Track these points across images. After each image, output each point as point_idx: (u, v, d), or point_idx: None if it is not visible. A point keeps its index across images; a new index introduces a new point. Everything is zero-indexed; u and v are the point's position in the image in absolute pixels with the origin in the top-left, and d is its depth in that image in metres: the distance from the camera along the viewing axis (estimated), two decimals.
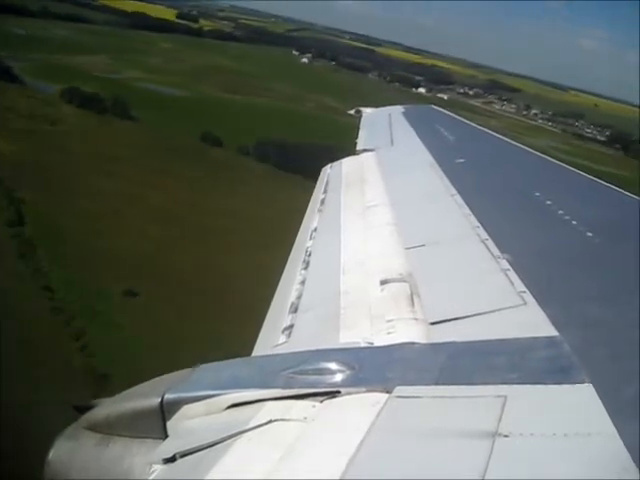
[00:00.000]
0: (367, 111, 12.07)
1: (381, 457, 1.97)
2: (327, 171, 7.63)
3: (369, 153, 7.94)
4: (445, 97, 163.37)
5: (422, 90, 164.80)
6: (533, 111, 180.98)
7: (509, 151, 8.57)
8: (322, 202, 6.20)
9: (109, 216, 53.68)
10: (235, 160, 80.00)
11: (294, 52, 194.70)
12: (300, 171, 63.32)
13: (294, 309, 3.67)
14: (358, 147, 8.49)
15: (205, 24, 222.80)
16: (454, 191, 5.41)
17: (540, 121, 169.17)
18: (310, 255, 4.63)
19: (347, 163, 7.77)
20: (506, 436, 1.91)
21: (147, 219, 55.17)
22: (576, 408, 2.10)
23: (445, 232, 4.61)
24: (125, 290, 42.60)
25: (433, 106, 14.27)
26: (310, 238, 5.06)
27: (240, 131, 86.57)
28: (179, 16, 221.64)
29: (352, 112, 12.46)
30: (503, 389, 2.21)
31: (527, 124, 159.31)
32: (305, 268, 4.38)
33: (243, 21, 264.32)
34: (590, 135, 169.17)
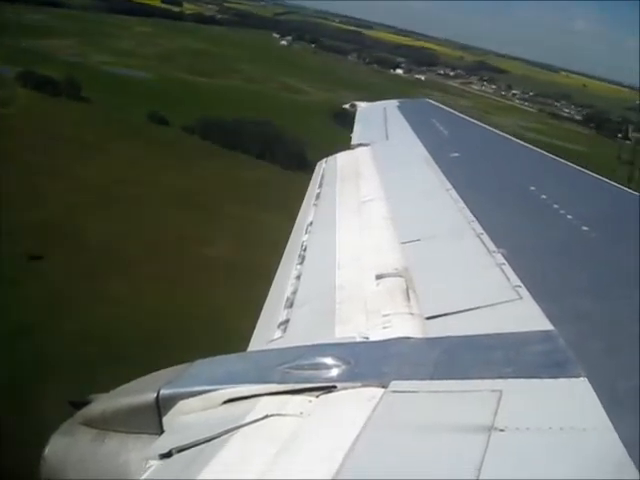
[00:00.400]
0: (362, 105, 12.04)
1: (377, 452, 1.97)
2: (322, 165, 7.62)
3: (364, 147, 7.93)
4: (422, 78, 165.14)
5: (400, 71, 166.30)
6: (513, 91, 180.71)
7: (504, 145, 8.58)
8: (317, 197, 6.19)
9: (29, 187, 55.18)
10: (177, 138, 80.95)
11: (274, 35, 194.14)
12: (237, 147, 74.79)
13: (290, 304, 3.67)
14: (353, 141, 8.48)
15: (188, 7, 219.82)
16: (449, 185, 5.41)
17: (517, 101, 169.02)
18: (305, 250, 4.63)
19: (342, 157, 7.77)
20: (502, 430, 1.91)
21: (67, 190, 56.75)
22: (571, 402, 2.11)
23: (440, 226, 4.61)
24: (29, 254, 44.76)
25: (428, 100, 14.25)
26: (305, 233, 5.06)
27: (192, 111, 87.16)
28: (164, 0, 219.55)
29: (347, 106, 12.41)
30: (499, 383, 2.21)
31: (503, 104, 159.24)
32: (301, 263, 4.38)
33: (228, 4, 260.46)
34: (567, 115, 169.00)
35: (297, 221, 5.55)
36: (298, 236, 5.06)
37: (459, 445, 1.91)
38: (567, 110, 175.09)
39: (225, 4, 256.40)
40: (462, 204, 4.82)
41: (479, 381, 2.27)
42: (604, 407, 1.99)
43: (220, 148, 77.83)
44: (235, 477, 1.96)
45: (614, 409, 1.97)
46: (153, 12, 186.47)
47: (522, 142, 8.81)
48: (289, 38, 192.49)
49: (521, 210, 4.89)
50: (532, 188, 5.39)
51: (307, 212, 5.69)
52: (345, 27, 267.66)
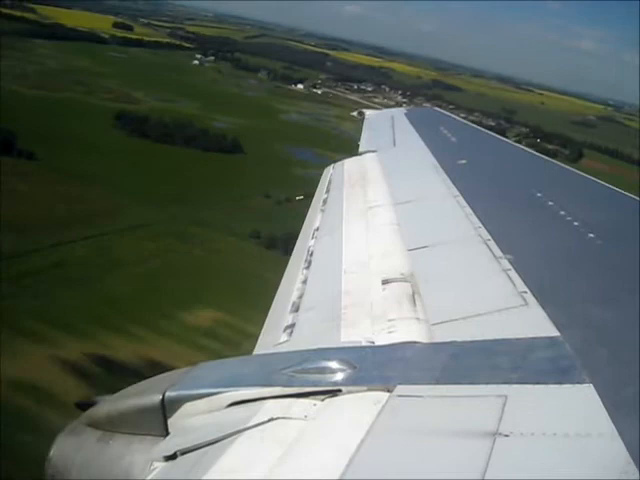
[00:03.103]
0: (369, 113, 12.09)
1: (382, 456, 1.97)
2: (330, 171, 7.64)
3: (371, 154, 7.95)
4: (319, 92, 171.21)
5: (301, 86, 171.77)
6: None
7: (511, 153, 8.58)
8: (324, 202, 6.20)
9: None
10: None
11: (197, 55, 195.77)
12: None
13: (296, 308, 3.67)
14: (361, 148, 8.50)
15: (140, 33, 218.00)
16: (456, 192, 5.41)
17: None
18: (312, 254, 4.64)
19: (349, 163, 7.78)
20: (506, 436, 1.91)
21: None
22: (577, 408, 2.10)
23: (447, 233, 4.61)
24: None
25: (436, 108, 14.29)
26: (312, 238, 5.07)
27: None
28: (115, 25, 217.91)
29: (354, 114, 12.48)
30: (504, 389, 2.21)
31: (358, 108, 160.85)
32: (307, 267, 4.38)
33: (190, 28, 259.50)
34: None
35: (304, 226, 5.56)
36: (305, 241, 5.07)
37: (464, 450, 1.91)
38: (491, 124, 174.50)
39: (187, 28, 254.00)
40: (469, 210, 4.82)
41: (484, 386, 2.27)
42: (609, 413, 1.98)
43: None
44: (240, 479, 1.96)
45: (619, 415, 1.97)
46: (80, 37, 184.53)
47: (529, 150, 8.81)
48: (210, 58, 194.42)
49: (528, 217, 4.89)
50: (539, 195, 5.39)
51: (314, 217, 5.70)
52: (313, 48, 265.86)
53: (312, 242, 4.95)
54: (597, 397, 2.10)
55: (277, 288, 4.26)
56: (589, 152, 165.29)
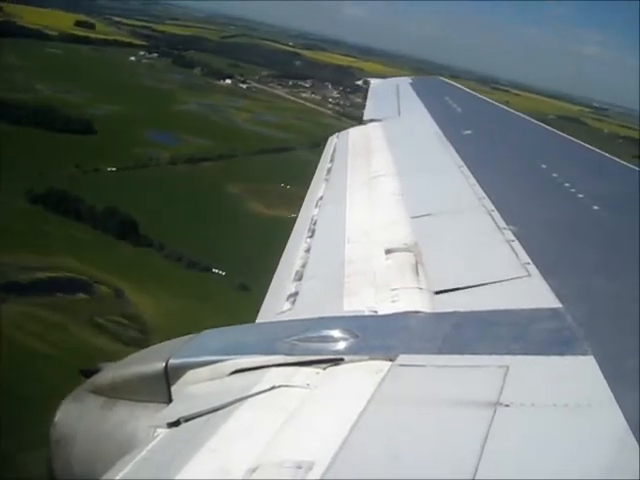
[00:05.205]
0: (374, 81, 11.97)
1: (383, 424, 1.99)
2: (334, 140, 7.59)
3: (376, 123, 7.89)
4: (244, 86, 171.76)
5: (229, 81, 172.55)
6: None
7: (516, 123, 8.52)
8: (328, 171, 6.17)
9: None
10: None
11: (140, 53, 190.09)
12: None
13: (299, 277, 3.67)
14: (365, 117, 8.44)
15: (103, 31, 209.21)
16: (460, 162, 5.38)
17: (330, 106, 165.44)
18: (315, 223, 4.63)
19: (354, 133, 7.73)
20: (507, 406, 1.92)
21: None
22: (578, 379, 2.11)
23: (451, 203, 4.60)
24: None
25: (441, 78, 14.13)
26: (316, 206, 5.05)
27: None
28: (78, 23, 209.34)
29: (360, 83, 12.38)
30: (505, 359, 2.22)
31: (302, 107, 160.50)
32: (310, 236, 4.38)
33: (163, 27, 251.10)
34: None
35: (307, 195, 5.54)
36: (308, 210, 5.05)
37: (464, 419, 1.92)
38: None
39: (153, 27, 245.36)
40: (473, 180, 4.80)
41: (486, 357, 2.28)
42: (609, 384, 1.99)
43: None
44: (242, 446, 1.98)
45: (619, 387, 1.98)
46: (25, 34, 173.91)
47: (535, 121, 8.73)
48: (153, 55, 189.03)
49: (532, 188, 4.87)
50: (543, 166, 5.36)
51: (318, 186, 5.68)
52: (285, 48, 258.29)
53: (316, 211, 4.94)
54: (598, 368, 2.10)
55: None
56: None
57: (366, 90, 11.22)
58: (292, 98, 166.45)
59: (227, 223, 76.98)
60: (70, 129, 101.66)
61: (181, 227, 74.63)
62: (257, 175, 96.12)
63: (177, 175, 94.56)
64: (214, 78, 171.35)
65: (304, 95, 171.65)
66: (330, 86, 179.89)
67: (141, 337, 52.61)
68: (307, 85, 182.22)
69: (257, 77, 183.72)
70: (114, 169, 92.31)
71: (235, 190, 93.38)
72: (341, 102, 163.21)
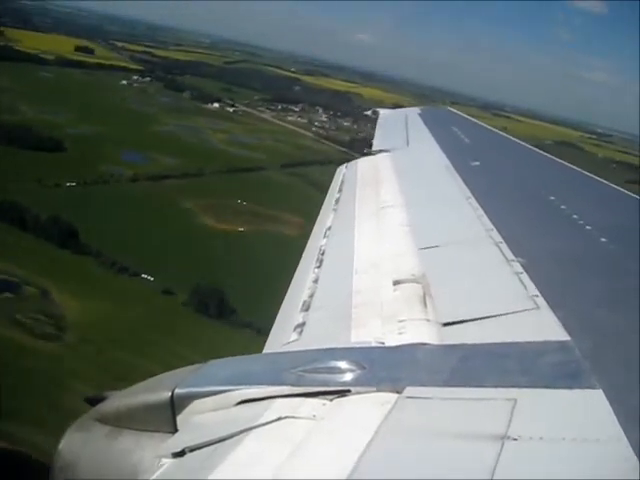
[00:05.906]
0: (383, 112, 12.09)
1: (389, 457, 1.97)
2: (342, 170, 7.64)
3: (384, 153, 7.94)
4: (231, 110, 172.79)
5: (217, 105, 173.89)
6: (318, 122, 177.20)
7: (524, 154, 8.56)
8: (337, 201, 6.20)
9: None
10: None
11: (134, 77, 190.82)
12: None
13: (306, 307, 3.67)
14: (374, 147, 8.51)
15: (103, 55, 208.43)
16: (469, 193, 5.40)
17: (313, 129, 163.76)
18: (324, 254, 4.64)
19: (362, 163, 7.78)
20: (515, 439, 1.90)
21: None
22: (586, 413, 2.09)
23: (459, 234, 4.60)
24: None
25: (449, 108, 14.27)
26: (324, 237, 5.07)
27: None
28: (77, 48, 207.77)
29: (369, 113, 12.53)
30: (513, 392, 2.20)
31: (279, 128, 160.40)
32: (318, 267, 4.38)
33: (166, 53, 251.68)
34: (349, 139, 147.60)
35: (316, 225, 5.56)
36: (317, 240, 5.07)
37: (472, 453, 1.90)
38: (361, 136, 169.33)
39: (155, 52, 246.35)
40: (481, 212, 4.81)
41: (494, 389, 2.26)
42: (618, 419, 1.97)
43: None
44: (247, 477, 1.97)
45: (628, 421, 1.96)
46: (21, 58, 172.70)
47: (542, 152, 8.77)
48: (146, 79, 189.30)
49: (540, 219, 4.88)
50: (552, 198, 5.37)
51: (326, 216, 5.71)
52: (285, 74, 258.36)
53: (324, 241, 4.95)
54: (607, 402, 2.08)
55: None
56: None
57: (374, 120, 11.34)
58: (277, 121, 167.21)
59: (173, 235, 79.02)
60: (40, 147, 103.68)
61: (124, 237, 76.32)
62: (217, 192, 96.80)
63: (134, 191, 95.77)
64: (202, 102, 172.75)
65: (290, 119, 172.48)
66: (321, 110, 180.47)
67: (57, 333, 55.73)
68: (296, 109, 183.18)
69: (247, 101, 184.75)
70: (74, 184, 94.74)
71: (189, 205, 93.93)
72: (326, 126, 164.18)
